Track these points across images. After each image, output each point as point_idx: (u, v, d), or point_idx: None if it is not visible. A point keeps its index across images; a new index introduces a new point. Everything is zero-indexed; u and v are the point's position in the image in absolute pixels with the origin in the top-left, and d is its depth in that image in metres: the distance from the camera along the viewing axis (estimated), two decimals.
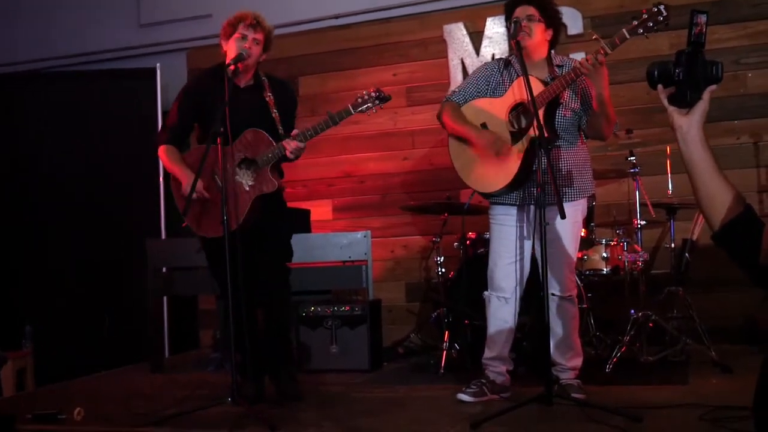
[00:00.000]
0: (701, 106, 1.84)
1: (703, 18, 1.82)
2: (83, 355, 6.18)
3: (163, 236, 6.28)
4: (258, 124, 3.98)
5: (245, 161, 3.98)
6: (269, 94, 4.08)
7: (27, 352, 5.96)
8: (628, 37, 3.57)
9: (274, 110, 4.06)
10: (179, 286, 5.55)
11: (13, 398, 5.13)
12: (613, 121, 3.83)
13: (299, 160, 4.17)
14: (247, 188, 3.96)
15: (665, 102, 1.88)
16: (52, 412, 3.87)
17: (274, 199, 4.06)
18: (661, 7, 3.51)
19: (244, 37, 3.98)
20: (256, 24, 3.99)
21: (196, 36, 6.63)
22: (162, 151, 4.10)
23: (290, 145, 3.91)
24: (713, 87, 1.84)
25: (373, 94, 3.98)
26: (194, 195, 3.86)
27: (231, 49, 4.00)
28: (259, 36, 4.01)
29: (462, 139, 3.94)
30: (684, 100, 1.85)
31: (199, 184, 3.87)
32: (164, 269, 5.51)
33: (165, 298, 6.04)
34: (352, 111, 3.96)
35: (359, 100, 3.98)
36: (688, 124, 1.84)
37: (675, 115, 1.87)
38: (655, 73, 1.88)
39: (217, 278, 4.03)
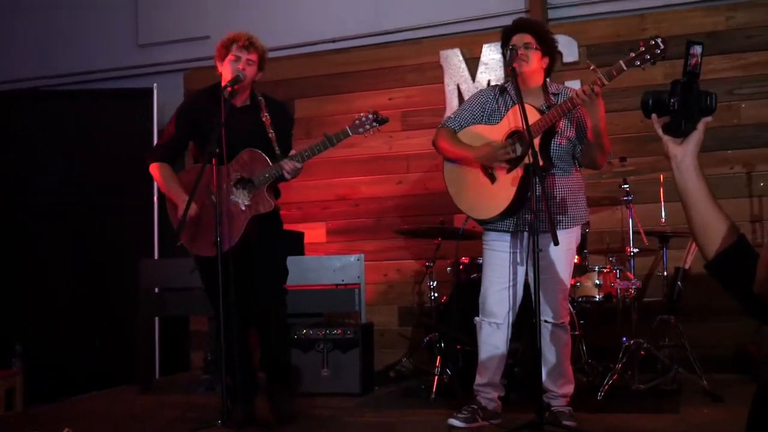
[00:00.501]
0: (696, 136, 1.85)
1: (698, 49, 1.83)
2: (73, 374, 6.15)
3: (157, 256, 6.26)
4: (255, 144, 3.99)
5: (241, 181, 3.98)
6: (266, 114, 4.09)
7: (16, 371, 5.92)
8: (625, 68, 3.57)
9: (271, 130, 4.06)
10: (171, 306, 5.53)
11: (2, 418, 5.08)
12: (608, 151, 3.84)
13: (294, 182, 4.17)
14: (243, 208, 3.96)
15: (659, 131, 1.89)
16: None
17: (271, 219, 4.06)
18: (659, 40, 3.52)
19: (238, 59, 4.00)
20: (249, 45, 4.01)
21: (193, 57, 6.67)
22: (155, 168, 4.09)
23: (288, 165, 3.92)
24: (708, 119, 1.85)
25: (370, 117, 4.00)
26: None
27: (226, 70, 4.02)
28: (253, 56, 4.03)
29: (457, 166, 3.95)
30: (679, 130, 1.85)
31: (191, 209, 3.87)
32: (156, 290, 5.49)
33: (156, 319, 6.02)
34: (350, 132, 3.98)
35: (357, 122, 4.00)
36: (683, 153, 1.85)
37: (669, 144, 1.87)
38: (650, 102, 1.88)
39: (211, 298, 4.00)
